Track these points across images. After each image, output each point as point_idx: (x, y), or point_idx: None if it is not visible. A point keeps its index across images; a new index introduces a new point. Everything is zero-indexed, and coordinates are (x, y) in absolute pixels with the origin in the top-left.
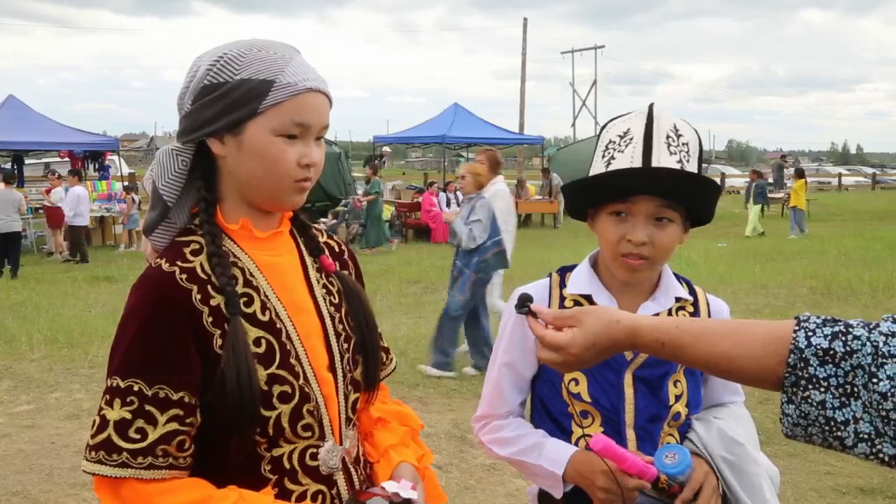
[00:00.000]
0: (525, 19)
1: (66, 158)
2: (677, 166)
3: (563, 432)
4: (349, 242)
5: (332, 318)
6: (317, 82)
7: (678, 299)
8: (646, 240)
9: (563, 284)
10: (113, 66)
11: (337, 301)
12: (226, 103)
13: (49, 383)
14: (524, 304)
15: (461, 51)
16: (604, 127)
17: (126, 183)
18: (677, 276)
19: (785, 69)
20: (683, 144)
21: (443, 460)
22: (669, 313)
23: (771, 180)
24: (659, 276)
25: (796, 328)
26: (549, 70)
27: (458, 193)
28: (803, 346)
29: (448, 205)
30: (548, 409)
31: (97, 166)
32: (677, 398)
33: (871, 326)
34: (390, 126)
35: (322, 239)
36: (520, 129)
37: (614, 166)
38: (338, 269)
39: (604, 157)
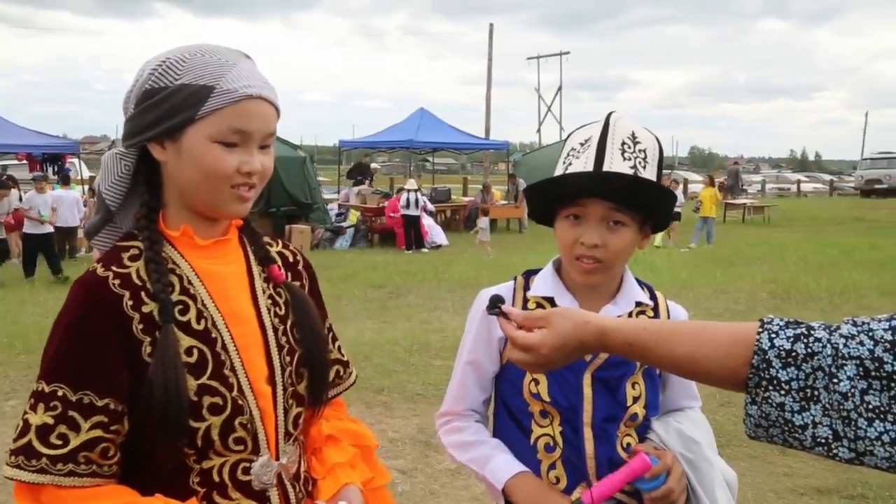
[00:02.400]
0: (491, 25)
1: (24, 161)
2: (630, 172)
3: (523, 431)
4: (314, 247)
5: (276, 330)
6: (259, 89)
7: (638, 304)
8: (598, 242)
9: (526, 287)
10: (74, 68)
11: (283, 312)
12: (165, 108)
13: (5, 390)
14: (495, 305)
15: (427, 56)
16: (569, 135)
17: (89, 186)
18: (639, 282)
19: (745, 77)
20: (640, 151)
21: (407, 465)
22: (629, 316)
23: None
24: (620, 280)
25: (760, 330)
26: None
27: (419, 195)
28: (766, 348)
29: (408, 205)
30: (509, 409)
31: (56, 169)
32: (635, 399)
33: (832, 329)
34: (356, 130)
35: (276, 248)
36: (486, 135)
37: (570, 170)
38: (289, 279)
39: (563, 163)
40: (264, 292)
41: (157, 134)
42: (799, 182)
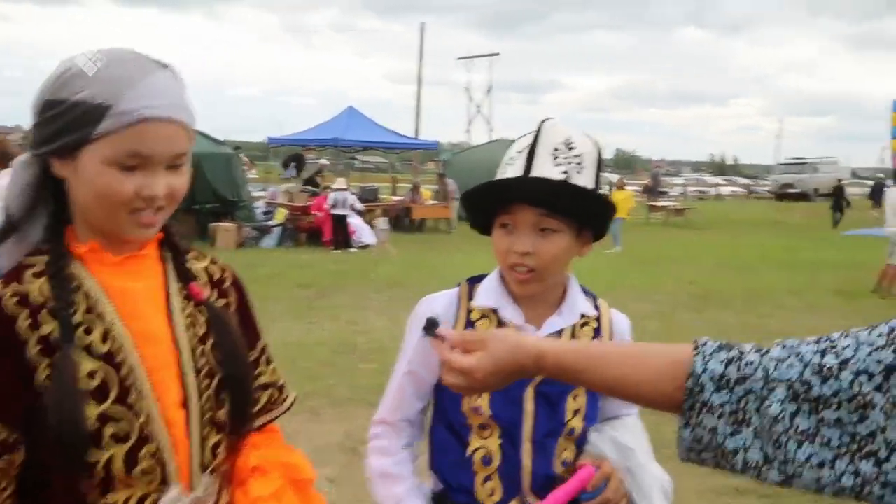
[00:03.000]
0: (423, 24)
1: None
2: (561, 177)
3: (460, 442)
4: (240, 246)
5: (193, 351)
6: (163, 110)
7: (583, 315)
8: (529, 249)
9: (470, 296)
10: None
11: (203, 332)
12: (61, 124)
13: None
14: (430, 327)
15: (355, 53)
16: (513, 143)
17: None
18: (584, 290)
19: (667, 83)
20: (575, 156)
21: (334, 473)
22: (573, 329)
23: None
24: (564, 290)
25: (694, 352)
26: (445, 75)
27: (348, 194)
28: (700, 372)
29: (336, 204)
30: (447, 420)
31: None
32: (575, 413)
33: (763, 352)
34: (284, 127)
35: (202, 264)
36: (415, 134)
37: (501, 176)
38: (213, 298)
39: (500, 172)
40: (182, 310)
41: (54, 149)
42: (718, 185)
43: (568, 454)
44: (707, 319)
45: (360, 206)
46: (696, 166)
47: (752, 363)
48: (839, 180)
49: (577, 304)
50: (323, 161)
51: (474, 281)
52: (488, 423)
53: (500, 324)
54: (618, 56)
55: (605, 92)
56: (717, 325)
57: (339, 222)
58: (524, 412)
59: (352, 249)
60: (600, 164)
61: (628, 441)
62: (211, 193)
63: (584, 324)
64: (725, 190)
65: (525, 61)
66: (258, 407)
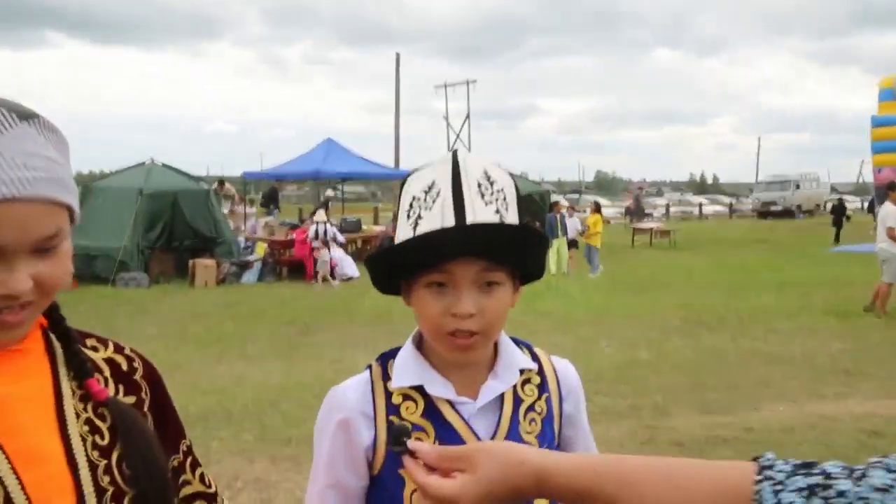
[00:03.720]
0: (398, 55)
1: None
2: (496, 218)
3: None
4: (220, 282)
5: (95, 468)
6: (14, 186)
7: (522, 371)
8: (473, 311)
9: (385, 376)
10: None
11: (106, 442)
12: None
13: None
14: (399, 439)
15: (332, 85)
16: (403, 183)
17: None
18: (516, 341)
19: (642, 104)
20: (498, 192)
21: None
22: (515, 391)
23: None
24: (495, 345)
25: (759, 478)
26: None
27: (328, 226)
28: None
29: (317, 237)
30: None
31: None
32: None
33: (858, 476)
34: (263, 160)
35: (103, 353)
36: (395, 164)
37: (423, 228)
38: (119, 395)
39: (409, 217)
40: (79, 417)
41: None
42: (701, 205)
43: None
44: (701, 346)
45: (341, 238)
46: (677, 186)
47: (845, 494)
48: (840, 197)
49: (514, 360)
50: (329, 193)
51: (386, 358)
52: None
53: (428, 402)
54: (593, 79)
55: (581, 114)
56: (711, 351)
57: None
58: None
59: (335, 283)
60: (519, 198)
61: None
62: (189, 230)
63: (526, 381)
64: (708, 209)
65: (501, 87)
66: None
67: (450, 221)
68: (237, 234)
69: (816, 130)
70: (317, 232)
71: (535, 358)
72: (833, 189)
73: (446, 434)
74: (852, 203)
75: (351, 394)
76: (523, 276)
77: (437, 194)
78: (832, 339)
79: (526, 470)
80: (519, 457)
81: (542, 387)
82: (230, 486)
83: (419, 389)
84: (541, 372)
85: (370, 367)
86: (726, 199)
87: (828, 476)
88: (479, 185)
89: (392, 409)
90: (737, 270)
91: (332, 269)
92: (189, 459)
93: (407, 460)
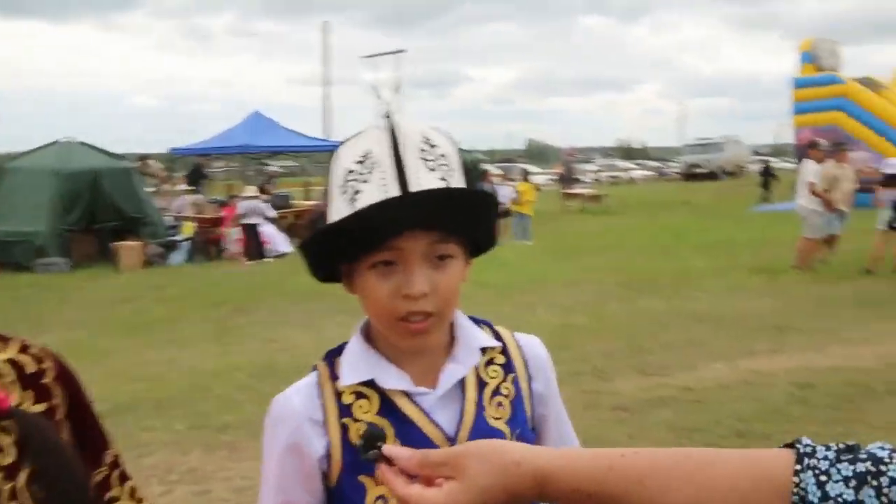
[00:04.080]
0: (325, 23)
1: None
2: (442, 184)
3: None
4: (147, 265)
5: None
6: None
7: (484, 351)
8: (427, 289)
9: (333, 376)
10: None
11: (11, 461)
12: None
13: None
14: (372, 443)
15: (257, 57)
16: (334, 154)
17: None
18: (474, 320)
19: (571, 70)
20: (441, 157)
21: None
22: (478, 372)
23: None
24: (452, 326)
25: (798, 467)
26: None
27: (258, 202)
28: (816, 500)
29: (247, 214)
30: None
31: None
32: None
33: None
34: (189, 136)
35: (2, 355)
36: (325, 135)
37: (362, 202)
38: (26, 403)
39: (345, 192)
40: None
41: None
42: (629, 169)
43: None
44: (636, 309)
45: (271, 213)
46: (606, 152)
47: None
48: (767, 160)
49: (474, 339)
50: (273, 168)
51: (333, 355)
52: None
53: (383, 398)
54: (522, 46)
55: (511, 83)
56: (646, 313)
57: (252, 232)
58: None
59: (267, 260)
60: (463, 163)
61: None
62: (112, 211)
63: (489, 361)
64: (637, 174)
65: (431, 56)
66: None
67: (394, 192)
68: (164, 214)
69: (737, 94)
70: (246, 208)
71: (497, 336)
72: (755, 152)
73: (406, 430)
74: (773, 164)
75: (296, 401)
76: (474, 247)
77: (375, 164)
78: (761, 296)
79: (523, 471)
80: (513, 456)
81: (508, 366)
82: (164, 479)
83: (372, 385)
84: (505, 351)
85: (316, 367)
86: (654, 164)
87: (877, 461)
88: (421, 151)
89: (344, 411)
90: (667, 233)
91: (264, 245)
92: (116, 472)
93: (383, 469)
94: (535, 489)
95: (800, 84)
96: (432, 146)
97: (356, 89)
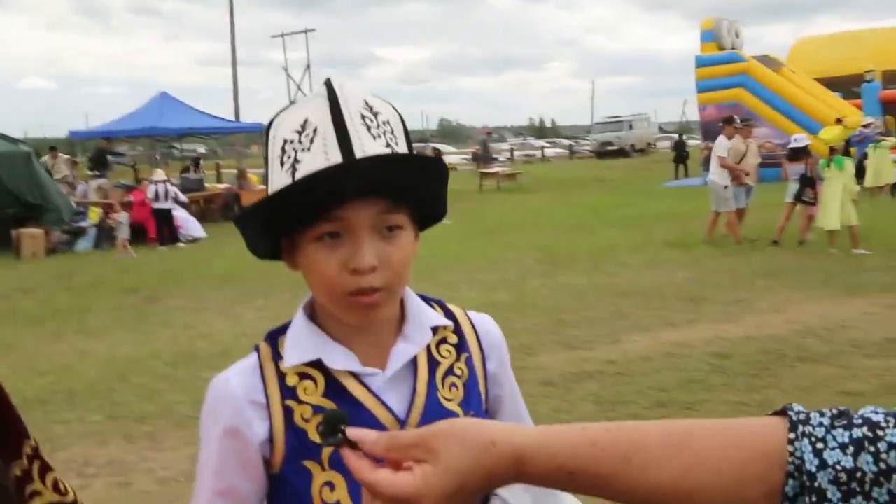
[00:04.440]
0: (231, 2)
1: None
2: (387, 151)
3: None
4: (51, 253)
5: None
6: None
7: (436, 330)
8: (375, 262)
9: (276, 356)
10: None
11: None
12: None
13: None
14: (334, 427)
15: (162, 36)
16: (269, 126)
17: None
18: (425, 298)
19: (481, 50)
20: (384, 123)
21: None
22: (430, 352)
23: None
24: (401, 303)
25: (793, 435)
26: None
27: (168, 185)
28: (813, 469)
29: (157, 198)
30: None
31: None
32: None
33: None
34: (90, 119)
35: None
36: (235, 117)
37: (303, 171)
38: None
39: (283, 164)
40: None
41: None
42: (543, 148)
43: None
44: (557, 284)
45: (183, 197)
46: (518, 131)
47: None
48: (681, 135)
49: (425, 318)
50: (200, 149)
51: (276, 335)
52: None
53: (330, 379)
54: (431, 26)
55: (422, 63)
56: (567, 289)
57: (164, 217)
58: None
59: (180, 244)
60: (407, 130)
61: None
62: (10, 197)
63: (441, 340)
64: (550, 152)
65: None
66: None
67: (336, 158)
68: (72, 199)
69: (643, 72)
70: (157, 191)
71: (448, 315)
72: (661, 129)
73: (354, 413)
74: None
75: (235, 382)
76: (423, 218)
77: (315, 132)
78: (676, 269)
79: (501, 450)
80: (489, 436)
81: (461, 346)
82: (81, 472)
83: (317, 365)
84: (457, 330)
85: (257, 347)
86: (566, 142)
87: (874, 426)
88: (363, 117)
89: (287, 393)
90: (582, 209)
91: (177, 230)
92: (37, 465)
93: (346, 454)
94: (513, 469)
95: (702, 62)
96: (375, 113)
97: (265, 70)
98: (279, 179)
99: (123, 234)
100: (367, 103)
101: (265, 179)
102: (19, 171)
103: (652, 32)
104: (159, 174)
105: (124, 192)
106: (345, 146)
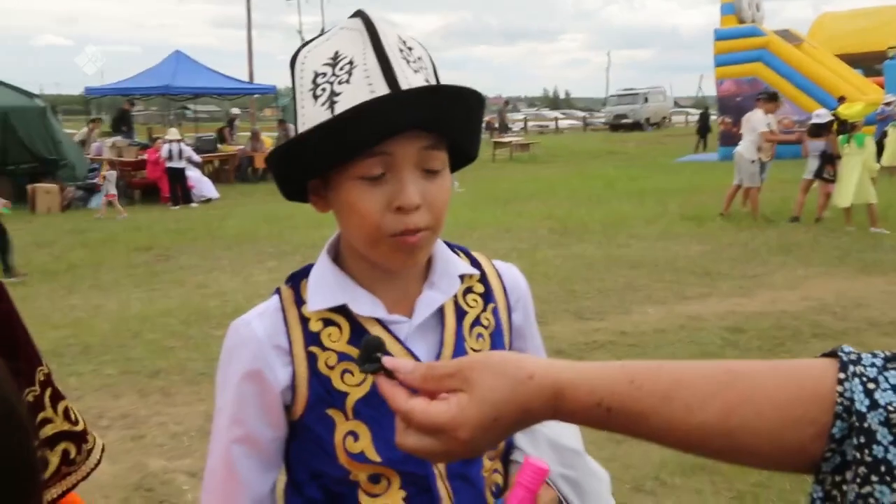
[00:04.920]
0: None
1: None
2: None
3: None
4: (65, 208)
5: None
6: None
7: (462, 278)
8: (420, 201)
9: (299, 301)
10: None
11: None
12: None
13: None
14: (372, 354)
15: None
16: (294, 60)
17: None
18: (450, 245)
19: (496, 20)
20: (419, 59)
21: (196, 464)
22: (456, 300)
23: (496, 125)
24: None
25: (843, 376)
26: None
27: (182, 145)
28: (864, 409)
29: (171, 157)
30: (317, 478)
31: None
32: None
33: None
34: (105, 76)
35: None
36: (250, 79)
37: (344, 103)
38: None
39: (317, 97)
40: None
41: None
42: (557, 119)
43: (498, 478)
44: (570, 255)
45: (196, 157)
46: (531, 102)
47: None
48: (706, 108)
49: (452, 265)
50: (234, 110)
51: (298, 278)
52: (382, 473)
53: (355, 325)
54: None
55: (437, 30)
56: (580, 259)
57: (177, 176)
58: None
59: (193, 205)
60: (436, 69)
61: (569, 441)
62: (26, 153)
63: (468, 290)
64: (564, 123)
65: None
66: (48, 473)
67: (382, 89)
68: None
69: (660, 46)
70: (170, 151)
71: (474, 263)
72: (676, 103)
73: None
74: (694, 116)
75: (258, 325)
76: (458, 158)
77: (352, 63)
78: (690, 242)
79: (538, 384)
80: (527, 369)
81: (487, 296)
82: (95, 424)
83: (342, 311)
84: (483, 279)
85: (279, 290)
86: (580, 114)
87: None
88: (401, 51)
89: (311, 339)
90: (596, 181)
91: (189, 190)
92: (49, 391)
93: (381, 381)
94: (550, 404)
95: (721, 36)
96: (409, 48)
97: (279, 33)
98: (314, 114)
99: (111, 191)
100: (401, 38)
101: (291, 127)
102: (35, 125)
103: (669, 6)
104: (173, 133)
105: (139, 150)
106: (390, 77)
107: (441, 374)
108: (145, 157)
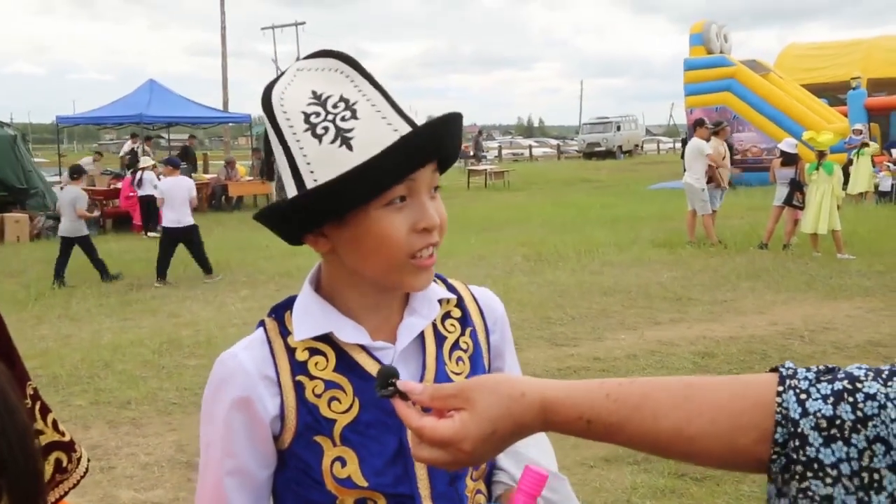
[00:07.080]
0: None
1: None
2: (419, 118)
3: None
4: (35, 238)
5: None
6: None
7: (440, 303)
8: (437, 220)
9: (284, 332)
10: None
11: None
12: None
13: None
14: (387, 381)
15: (150, 25)
16: (269, 106)
17: None
18: None
19: (470, 49)
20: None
21: (168, 495)
22: (435, 326)
23: (471, 153)
24: None
25: (781, 388)
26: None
27: (147, 173)
28: (797, 416)
29: (142, 185)
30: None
31: None
32: None
33: (886, 376)
34: (77, 105)
35: None
36: (224, 108)
37: (363, 138)
38: None
39: (319, 136)
40: None
41: None
42: (531, 147)
43: (480, 498)
44: (544, 281)
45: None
46: (505, 129)
47: (873, 396)
48: (686, 136)
49: (431, 291)
50: (190, 136)
51: (282, 310)
52: (369, 497)
53: (340, 354)
54: (421, 23)
55: (411, 59)
56: (554, 285)
57: (149, 204)
58: (413, 464)
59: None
60: None
61: (550, 464)
62: None
63: (446, 315)
64: (538, 151)
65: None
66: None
67: (403, 126)
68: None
69: (632, 75)
70: (142, 179)
71: (450, 288)
72: (648, 131)
73: (366, 387)
74: (666, 144)
75: (245, 357)
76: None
77: (346, 101)
78: (662, 268)
79: (529, 401)
80: (519, 388)
81: (465, 320)
82: None
83: (327, 340)
84: (461, 304)
85: (263, 323)
86: (554, 142)
87: (853, 379)
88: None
89: (298, 368)
90: (569, 208)
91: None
92: (38, 405)
93: (398, 403)
94: (540, 418)
95: (690, 66)
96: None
97: (253, 61)
98: (325, 153)
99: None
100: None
101: (263, 168)
102: (5, 154)
103: (641, 35)
104: (146, 161)
105: (111, 178)
106: (401, 113)
107: (446, 394)
108: (119, 185)
